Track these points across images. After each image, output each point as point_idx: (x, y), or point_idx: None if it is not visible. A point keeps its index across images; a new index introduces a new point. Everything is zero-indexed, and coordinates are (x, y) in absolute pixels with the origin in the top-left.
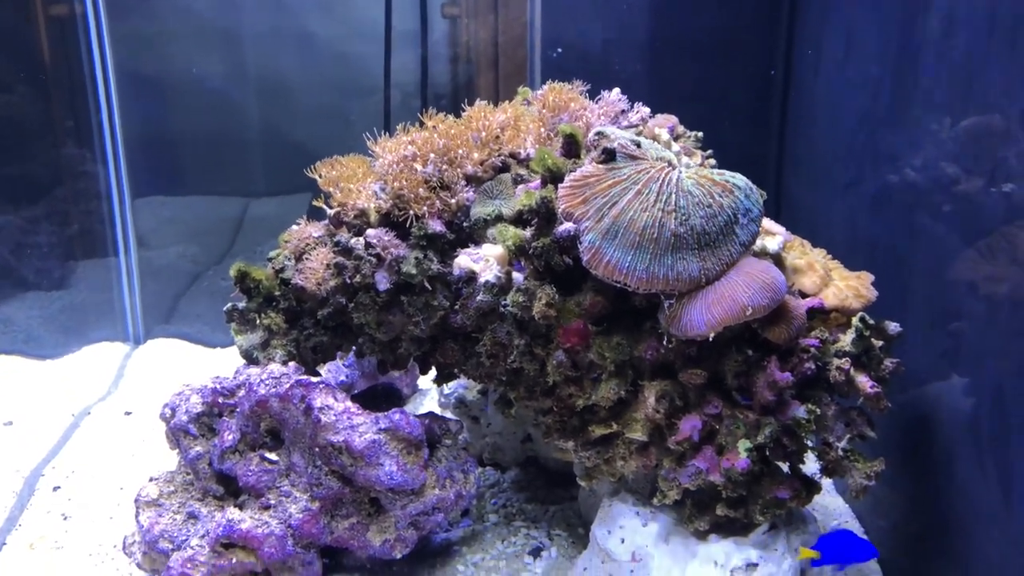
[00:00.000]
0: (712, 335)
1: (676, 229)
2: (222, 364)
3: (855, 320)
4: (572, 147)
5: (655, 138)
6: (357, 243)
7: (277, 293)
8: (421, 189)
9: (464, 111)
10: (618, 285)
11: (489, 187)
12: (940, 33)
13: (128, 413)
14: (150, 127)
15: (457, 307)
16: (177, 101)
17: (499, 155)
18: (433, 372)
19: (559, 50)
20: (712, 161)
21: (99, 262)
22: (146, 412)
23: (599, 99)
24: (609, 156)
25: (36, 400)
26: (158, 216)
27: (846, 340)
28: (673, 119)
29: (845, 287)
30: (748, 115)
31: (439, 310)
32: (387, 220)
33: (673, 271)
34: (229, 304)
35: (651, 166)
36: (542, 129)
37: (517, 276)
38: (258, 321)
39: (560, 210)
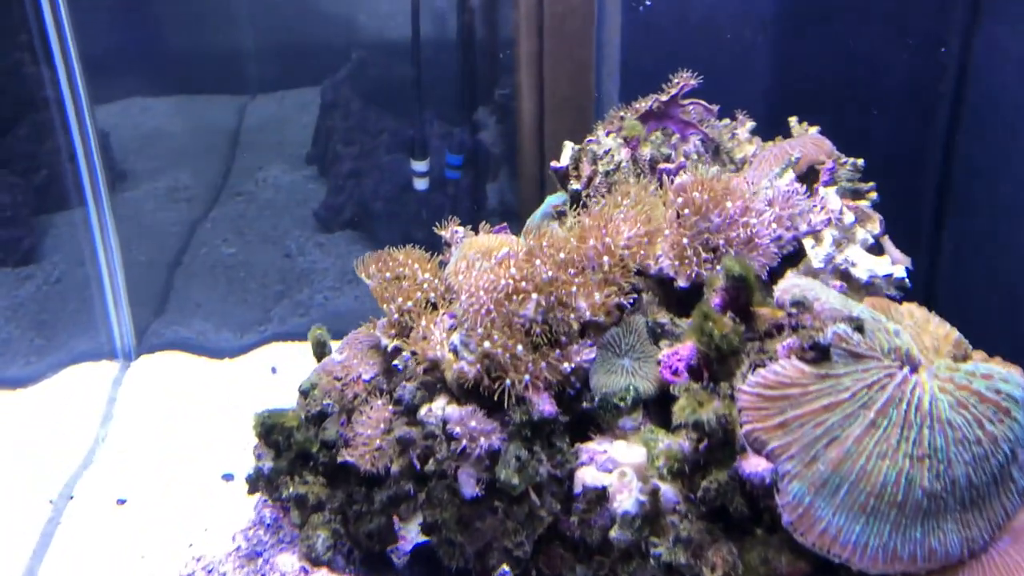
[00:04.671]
0: None
1: (931, 486)
2: (233, 382)
3: None
4: (741, 296)
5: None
6: (429, 417)
7: (315, 449)
8: (520, 346)
9: (584, 217)
10: (837, 561)
11: (615, 337)
12: None
13: (122, 502)
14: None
15: (574, 519)
16: None
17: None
18: None
19: (647, 3)
20: (874, 195)
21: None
22: (142, 493)
23: (759, 180)
24: (821, 354)
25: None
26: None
27: None
28: (827, 146)
29: None
30: (904, 107)
31: (547, 519)
32: (474, 386)
33: (923, 547)
34: (252, 468)
35: (883, 370)
36: (684, 240)
37: (667, 495)
38: (290, 489)
39: (743, 430)
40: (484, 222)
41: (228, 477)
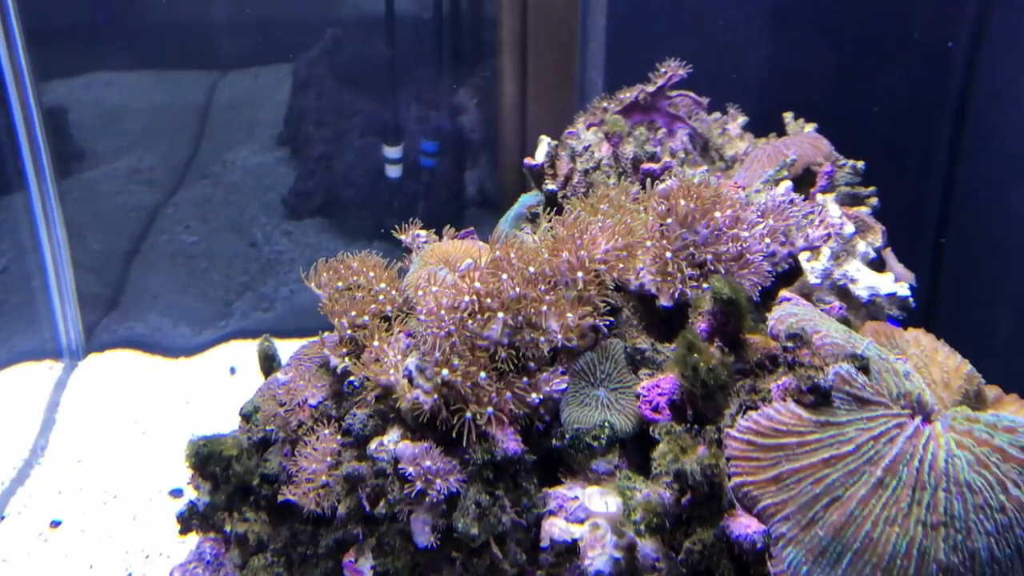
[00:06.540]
0: None
1: (947, 560)
2: (188, 384)
3: None
4: (731, 322)
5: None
6: (380, 452)
7: (255, 482)
8: (483, 373)
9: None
10: None
11: (590, 364)
12: None
13: (56, 523)
14: None
15: (540, 573)
16: None
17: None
18: None
19: None
20: (874, 201)
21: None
22: (81, 512)
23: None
24: (821, 398)
25: None
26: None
27: None
28: (825, 147)
29: None
30: (907, 105)
31: (511, 573)
32: (430, 418)
33: None
34: (185, 505)
35: (892, 420)
36: (667, 253)
37: (645, 551)
38: (228, 527)
39: (732, 483)
40: (449, 226)
41: (176, 492)
